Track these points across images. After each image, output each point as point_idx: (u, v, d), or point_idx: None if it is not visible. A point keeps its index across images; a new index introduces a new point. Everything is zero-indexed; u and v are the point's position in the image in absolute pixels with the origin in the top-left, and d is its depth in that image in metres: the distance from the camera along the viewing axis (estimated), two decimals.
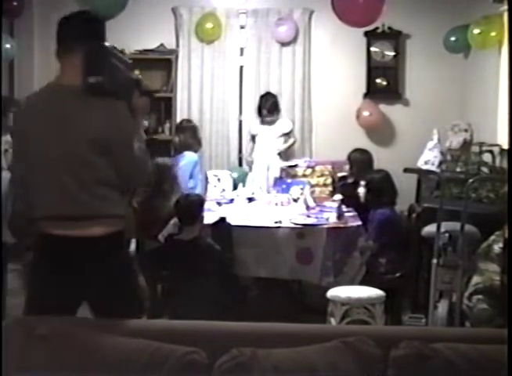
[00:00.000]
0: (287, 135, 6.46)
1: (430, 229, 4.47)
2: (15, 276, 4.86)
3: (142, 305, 2.77)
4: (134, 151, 2.57)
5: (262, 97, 6.47)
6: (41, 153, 2.51)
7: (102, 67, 2.51)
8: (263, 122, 6.41)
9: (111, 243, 2.54)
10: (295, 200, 5.29)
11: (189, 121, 6.32)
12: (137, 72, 6.65)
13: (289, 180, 5.61)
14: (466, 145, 6.20)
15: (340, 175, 5.76)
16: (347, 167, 5.81)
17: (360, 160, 5.79)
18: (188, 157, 5.73)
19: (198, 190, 5.57)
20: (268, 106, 6.35)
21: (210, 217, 4.58)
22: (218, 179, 5.96)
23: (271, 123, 6.39)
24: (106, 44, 2.60)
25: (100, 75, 2.48)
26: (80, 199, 2.48)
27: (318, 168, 5.70)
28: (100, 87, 2.48)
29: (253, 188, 5.82)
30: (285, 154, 6.44)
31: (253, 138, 6.54)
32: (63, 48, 2.60)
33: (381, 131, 6.85)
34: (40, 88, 2.68)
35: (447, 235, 4.09)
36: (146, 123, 6.67)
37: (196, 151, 5.89)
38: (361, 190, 5.04)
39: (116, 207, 2.56)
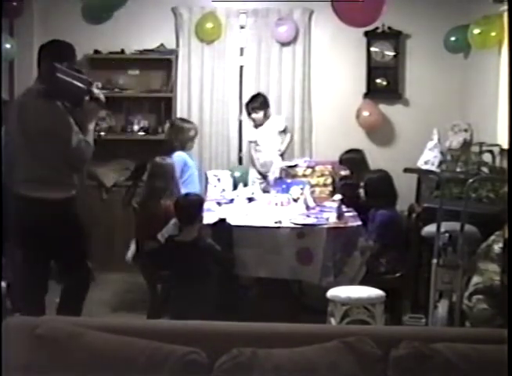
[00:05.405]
0: (283, 132, 6.42)
1: (430, 229, 4.47)
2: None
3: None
4: (71, 141, 3.64)
5: (253, 97, 6.39)
6: (22, 138, 3.71)
7: (50, 80, 3.63)
8: (256, 125, 6.33)
9: (65, 205, 3.76)
10: (295, 200, 5.28)
11: (182, 119, 6.03)
12: (137, 72, 6.74)
13: (289, 180, 5.59)
14: (466, 145, 6.19)
15: (340, 174, 5.74)
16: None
17: (353, 161, 5.75)
18: (174, 157, 5.32)
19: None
20: (256, 102, 6.26)
21: (210, 217, 4.58)
22: (218, 179, 5.93)
23: (261, 121, 6.26)
24: (59, 65, 3.63)
25: (47, 85, 3.65)
26: (41, 169, 3.69)
27: (318, 168, 5.69)
28: (44, 92, 3.65)
29: (253, 188, 5.81)
30: (285, 153, 6.41)
31: (251, 143, 6.46)
32: (38, 64, 3.87)
33: (381, 131, 6.84)
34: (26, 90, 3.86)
35: (447, 235, 4.10)
36: (146, 123, 6.65)
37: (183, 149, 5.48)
38: (361, 190, 5.05)
39: (67, 177, 3.79)
